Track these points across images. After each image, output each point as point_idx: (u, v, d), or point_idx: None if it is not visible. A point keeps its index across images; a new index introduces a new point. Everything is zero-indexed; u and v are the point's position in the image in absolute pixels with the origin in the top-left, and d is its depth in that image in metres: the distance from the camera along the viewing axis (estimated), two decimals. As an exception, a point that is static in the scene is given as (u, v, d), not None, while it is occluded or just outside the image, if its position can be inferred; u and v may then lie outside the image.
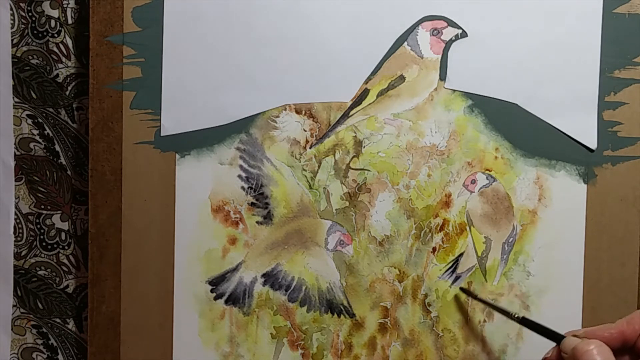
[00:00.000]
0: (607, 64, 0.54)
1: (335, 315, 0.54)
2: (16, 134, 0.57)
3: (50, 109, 0.57)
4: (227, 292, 0.54)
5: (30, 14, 0.56)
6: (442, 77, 0.53)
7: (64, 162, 0.57)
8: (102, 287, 0.53)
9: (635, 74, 0.54)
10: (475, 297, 0.53)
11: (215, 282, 0.54)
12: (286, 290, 0.54)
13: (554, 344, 0.42)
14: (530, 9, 0.53)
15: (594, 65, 0.54)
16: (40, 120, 0.57)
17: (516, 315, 0.48)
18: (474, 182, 0.54)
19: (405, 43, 0.53)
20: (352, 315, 0.54)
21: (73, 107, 0.57)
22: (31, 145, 0.57)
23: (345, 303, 0.54)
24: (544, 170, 0.54)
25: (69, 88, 0.57)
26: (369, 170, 0.54)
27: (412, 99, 0.53)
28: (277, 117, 0.53)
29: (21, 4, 0.56)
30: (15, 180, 0.57)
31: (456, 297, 0.54)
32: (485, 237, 0.54)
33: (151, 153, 0.53)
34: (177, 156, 0.53)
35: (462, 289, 0.54)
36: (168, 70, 0.53)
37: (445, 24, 0.53)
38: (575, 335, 0.40)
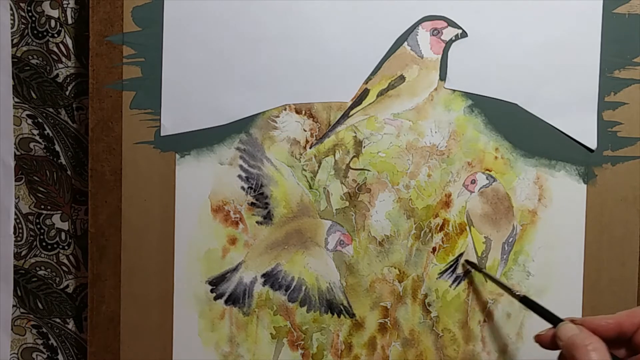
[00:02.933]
0: (607, 64, 0.54)
1: (335, 315, 0.54)
2: (16, 134, 0.57)
3: (50, 109, 0.57)
4: (227, 292, 0.54)
5: (30, 14, 0.56)
6: (442, 77, 0.53)
7: (64, 162, 0.57)
8: (102, 287, 0.53)
9: (635, 74, 0.54)
10: (480, 270, 0.53)
11: (215, 282, 0.54)
12: (286, 290, 0.54)
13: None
14: (530, 9, 0.53)
15: (594, 65, 0.54)
16: (40, 120, 0.57)
17: (518, 294, 0.48)
18: (474, 182, 0.54)
19: (405, 43, 0.53)
20: (352, 315, 0.54)
21: (73, 107, 0.57)
22: (31, 145, 0.57)
23: (345, 303, 0.54)
24: (544, 170, 0.54)
25: (69, 88, 0.57)
26: (369, 170, 0.54)
27: (412, 99, 0.53)
28: (277, 117, 0.53)
29: (21, 4, 0.56)
30: (15, 180, 0.57)
31: (456, 297, 0.54)
32: (485, 237, 0.54)
33: (151, 153, 0.53)
34: (177, 156, 0.53)
35: (467, 261, 0.54)
36: (168, 70, 0.53)
37: (445, 24, 0.53)
38: (573, 320, 0.40)
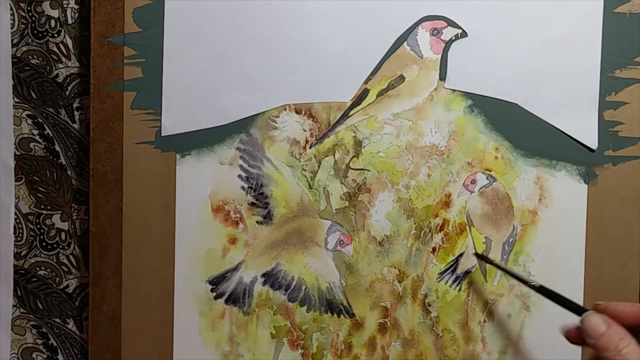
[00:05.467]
0: (608, 63, 0.53)
1: (335, 315, 0.54)
2: (16, 134, 0.57)
3: (50, 109, 0.57)
4: (227, 291, 0.54)
5: (30, 14, 0.56)
6: (442, 77, 0.53)
7: (64, 162, 0.57)
8: (103, 287, 0.53)
9: (636, 73, 0.53)
10: (491, 262, 0.53)
11: (216, 282, 0.54)
12: (286, 290, 0.54)
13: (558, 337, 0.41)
14: (530, 9, 0.53)
15: (595, 64, 0.54)
16: (40, 120, 0.57)
17: (534, 284, 0.47)
18: (474, 182, 0.54)
19: (405, 43, 0.53)
20: (352, 315, 0.54)
21: (73, 107, 0.57)
22: (31, 145, 0.57)
23: (345, 303, 0.54)
24: (544, 170, 0.54)
25: (69, 88, 0.57)
26: (368, 170, 0.54)
27: (412, 99, 0.53)
28: (277, 117, 0.53)
29: (21, 4, 0.56)
30: (15, 180, 0.57)
31: (456, 297, 0.54)
32: (485, 237, 0.54)
33: (152, 153, 0.53)
34: (178, 156, 0.53)
35: (476, 254, 0.54)
36: (168, 71, 0.53)
37: (445, 24, 0.53)
38: (597, 306, 0.39)
